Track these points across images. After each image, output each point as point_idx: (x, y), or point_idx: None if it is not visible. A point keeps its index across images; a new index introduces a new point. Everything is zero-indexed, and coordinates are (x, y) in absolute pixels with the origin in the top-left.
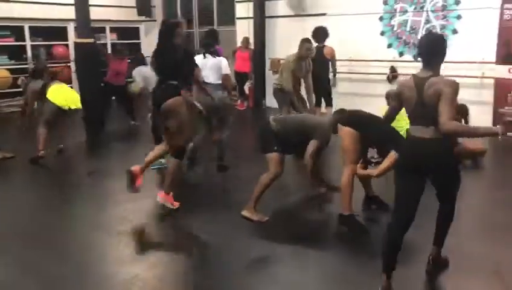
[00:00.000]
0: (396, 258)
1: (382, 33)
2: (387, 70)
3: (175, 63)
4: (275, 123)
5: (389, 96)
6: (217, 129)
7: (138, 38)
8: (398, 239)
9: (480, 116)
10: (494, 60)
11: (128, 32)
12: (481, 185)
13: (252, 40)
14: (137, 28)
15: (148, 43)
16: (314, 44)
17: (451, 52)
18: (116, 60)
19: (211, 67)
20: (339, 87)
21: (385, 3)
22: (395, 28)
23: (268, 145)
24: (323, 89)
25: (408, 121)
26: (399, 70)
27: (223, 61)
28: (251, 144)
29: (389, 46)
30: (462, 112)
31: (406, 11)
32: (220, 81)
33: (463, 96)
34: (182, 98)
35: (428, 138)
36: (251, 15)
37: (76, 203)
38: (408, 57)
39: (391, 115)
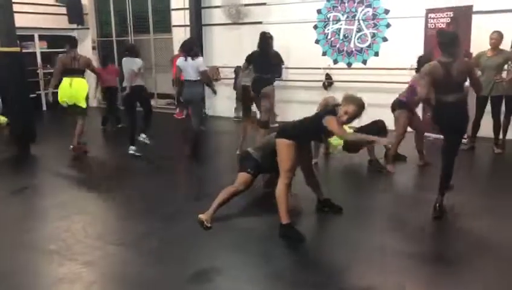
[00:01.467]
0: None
1: (317, 41)
2: (323, 78)
3: (270, 64)
4: (255, 152)
5: (327, 103)
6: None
7: None
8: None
9: None
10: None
11: (59, 40)
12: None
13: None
14: (69, 36)
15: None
16: None
17: (382, 59)
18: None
19: (192, 67)
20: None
21: (319, 12)
22: (329, 36)
23: (244, 167)
24: None
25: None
26: (334, 78)
27: (199, 61)
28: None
29: (324, 53)
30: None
31: (339, 20)
32: (199, 78)
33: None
34: (273, 87)
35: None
36: (187, 23)
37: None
38: (342, 64)
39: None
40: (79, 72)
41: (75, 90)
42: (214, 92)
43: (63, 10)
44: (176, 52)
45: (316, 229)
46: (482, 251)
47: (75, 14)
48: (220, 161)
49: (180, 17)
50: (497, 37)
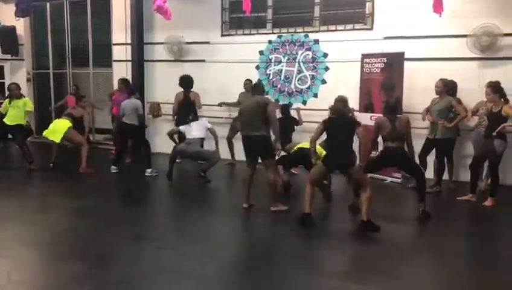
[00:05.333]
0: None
1: (259, 81)
2: None
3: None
4: None
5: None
6: None
7: (2, 78)
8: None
9: None
10: (357, 108)
11: None
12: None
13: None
14: (2, 66)
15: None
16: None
17: (321, 100)
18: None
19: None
20: (220, 132)
21: (261, 53)
22: (270, 77)
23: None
24: None
25: None
26: None
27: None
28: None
29: (266, 93)
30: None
31: (280, 62)
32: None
33: None
34: None
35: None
36: (129, 58)
37: None
38: None
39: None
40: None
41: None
42: None
43: None
44: (116, 87)
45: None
46: None
47: (9, 44)
48: (159, 201)
49: (121, 52)
50: (438, 85)
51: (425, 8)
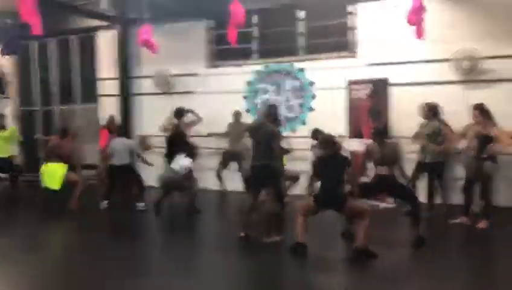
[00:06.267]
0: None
1: (248, 110)
2: None
3: None
4: None
5: None
6: None
7: None
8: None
9: None
10: (347, 134)
11: None
12: None
13: (118, 118)
14: None
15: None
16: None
17: (310, 128)
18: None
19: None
20: (208, 162)
21: (248, 83)
22: (258, 106)
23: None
24: None
25: None
26: None
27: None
28: None
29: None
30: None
31: (267, 91)
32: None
33: None
34: None
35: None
36: (116, 92)
37: None
38: None
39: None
40: None
41: None
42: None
43: None
44: (103, 122)
45: None
46: None
47: None
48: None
49: (108, 87)
50: (424, 109)
51: (408, 34)
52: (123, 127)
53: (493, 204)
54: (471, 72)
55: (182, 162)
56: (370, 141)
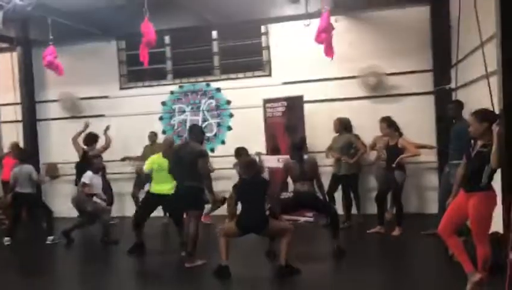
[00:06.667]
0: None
1: (164, 132)
2: None
3: None
4: None
5: None
6: None
7: None
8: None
9: None
10: (265, 151)
11: None
12: None
13: (21, 145)
14: None
15: None
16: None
17: (228, 146)
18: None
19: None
20: (124, 188)
21: (164, 104)
22: (175, 127)
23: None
24: None
25: None
26: None
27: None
28: None
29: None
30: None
31: (184, 111)
32: None
33: None
34: None
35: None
36: (19, 118)
37: None
38: None
39: None
40: None
41: None
42: None
43: None
44: (5, 150)
45: None
46: None
47: None
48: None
49: (10, 113)
50: (335, 123)
51: (318, 53)
52: (25, 152)
53: (403, 211)
54: (378, 88)
55: (83, 178)
56: (287, 157)
